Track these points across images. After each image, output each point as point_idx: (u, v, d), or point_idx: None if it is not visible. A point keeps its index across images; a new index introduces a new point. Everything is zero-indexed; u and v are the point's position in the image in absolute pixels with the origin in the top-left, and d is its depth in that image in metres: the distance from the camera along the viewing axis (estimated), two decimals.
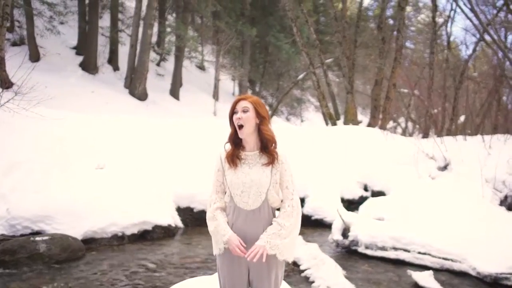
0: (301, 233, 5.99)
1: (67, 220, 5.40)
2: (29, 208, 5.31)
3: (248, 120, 2.20)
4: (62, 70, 15.24)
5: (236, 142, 2.28)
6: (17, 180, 5.68)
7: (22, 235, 5.06)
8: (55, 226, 5.27)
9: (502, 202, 7.44)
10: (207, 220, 2.33)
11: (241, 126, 2.20)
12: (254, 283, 2.27)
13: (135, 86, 16.59)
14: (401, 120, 22.88)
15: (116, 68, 18.17)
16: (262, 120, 2.24)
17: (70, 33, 18.12)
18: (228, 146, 2.31)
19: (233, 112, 2.25)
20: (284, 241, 2.21)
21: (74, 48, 17.61)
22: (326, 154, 9.47)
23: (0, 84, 9.11)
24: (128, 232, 5.83)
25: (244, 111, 2.20)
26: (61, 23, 18.01)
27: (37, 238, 4.84)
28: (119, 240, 5.71)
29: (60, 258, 4.77)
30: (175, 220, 6.58)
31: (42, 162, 6.21)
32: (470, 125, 16.04)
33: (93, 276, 4.42)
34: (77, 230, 5.37)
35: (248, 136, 2.24)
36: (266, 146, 2.25)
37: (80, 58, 16.85)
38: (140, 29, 16.99)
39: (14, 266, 4.49)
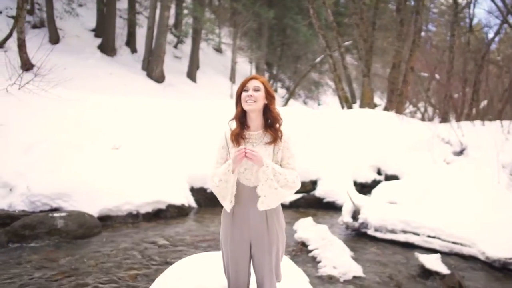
0: (312, 215, 6.11)
1: (83, 198, 5.58)
2: (47, 186, 5.50)
3: (259, 98, 2.27)
4: (81, 52, 15.47)
5: (241, 121, 2.34)
6: (36, 159, 5.88)
7: (41, 211, 5.26)
8: (72, 204, 5.46)
9: None
10: (210, 186, 2.37)
11: (252, 102, 2.25)
12: (255, 256, 2.36)
13: (153, 69, 16.74)
14: (421, 104, 22.51)
15: (134, 50, 18.32)
16: (270, 100, 2.32)
17: (89, 15, 18.30)
18: (233, 125, 2.37)
19: (242, 90, 2.30)
20: (274, 184, 2.20)
21: (93, 30, 17.80)
22: (340, 138, 9.46)
23: (20, 65, 9.32)
24: (143, 210, 5.99)
25: (256, 90, 2.27)
26: (80, 5, 18.22)
27: (55, 214, 5.03)
28: (134, 218, 5.88)
29: (77, 234, 4.96)
30: (188, 200, 6.73)
31: (60, 142, 6.39)
32: (491, 111, 15.69)
33: (107, 251, 4.59)
34: (93, 207, 5.54)
35: (254, 113, 2.30)
36: (272, 125, 2.32)
37: (98, 40, 17.05)
38: (157, 11, 17.03)
39: (33, 240, 4.69)
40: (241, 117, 2.33)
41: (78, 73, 11.79)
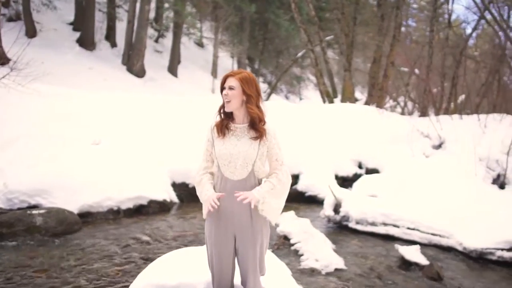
0: (294, 209, 6.14)
1: (63, 194, 5.48)
2: (25, 182, 5.39)
3: (234, 97, 2.27)
4: (59, 46, 15.16)
5: (226, 113, 2.36)
6: (13, 155, 5.75)
7: (19, 209, 5.15)
8: (52, 200, 5.37)
9: (495, 181, 7.56)
10: (195, 185, 2.44)
11: (227, 101, 2.27)
12: (240, 250, 2.37)
13: (133, 63, 16.53)
14: (401, 99, 22.80)
15: (113, 44, 18.04)
16: (248, 98, 2.30)
17: (67, 9, 17.93)
18: (218, 117, 2.39)
19: (222, 86, 2.32)
20: (273, 201, 2.33)
21: (71, 24, 17.44)
22: (321, 132, 9.53)
23: None
24: (124, 206, 5.93)
25: (230, 89, 2.26)
26: None
27: (34, 212, 4.94)
28: (115, 214, 5.81)
29: (56, 231, 4.88)
30: (170, 195, 6.69)
31: (38, 138, 6.26)
32: (469, 105, 16.01)
33: (88, 248, 4.53)
34: (73, 204, 5.46)
35: (236, 110, 2.32)
36: (254, 122, 2.32)
37: (77, 34, 16.72)
38: (138, 5, 16.80)
39: (12, 238, 4.60)
40: (225, 110, 2.34)
41: (56, 68, 11.57)
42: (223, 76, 2.34)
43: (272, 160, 2.38)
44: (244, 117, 2.34)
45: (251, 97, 2.30)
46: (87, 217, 5.50)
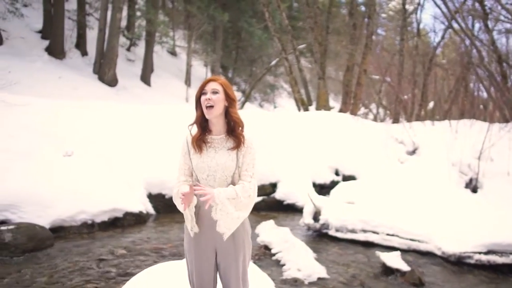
0: (273, 218, 6.08)
1: (33, 208, 5.24)
2: None
3: (218, 101, 2.17)
4: (27, 55, 14.69)
5: (202, 125, 2.25)
6: None
7: None
8: (21, 215, 5.11)
9: (467, 185, 7.72)
10: (174, 200, 2.27)
11: (210, 107, 2.17)
12: (221, 265, 2.27)
13: (105, 72, 16.17)
14: (373, 106, 23.22)
15: (84, 53, 17.62)
16: (231, 103, 2.22)
17: (35, 16, 17.41)
18: (194, 129, 2.28)
19: (201, 93, 2.21)
20: (232, 211, 2.15)
21: (39, 31, 16.94)
22: (298, 140, 9.55)
23: None
24: (98, 219, 5.73)
25: (214, 93, 2.17)
26: (25, 5, 17.26)
27: (2, 228, 4.68)
28: (89, 228, 5.61)
29: (27, 247, 4.64)
30: (146, 207, 6.53)
31: (6, 150, 5.98)
32: (438, 111, 16.47)
33: (62, 264, 4.33)
34: (44, 218, 5.22)
35: (216, 118, 2.22)
36: (234, 129, 2.23)
37: (46, 42, 16.25)
38: (109, 13, 16.50)
39: None
40: (202, 121, 2.24)
41: (24, 77, 11.18)
42: (202, 82, 2.23)
43: (242, 169, 2.24)
44: (222, 127, 2.25)
45: (234, 102, 2.23)
46: (59, 232, 5.27)
